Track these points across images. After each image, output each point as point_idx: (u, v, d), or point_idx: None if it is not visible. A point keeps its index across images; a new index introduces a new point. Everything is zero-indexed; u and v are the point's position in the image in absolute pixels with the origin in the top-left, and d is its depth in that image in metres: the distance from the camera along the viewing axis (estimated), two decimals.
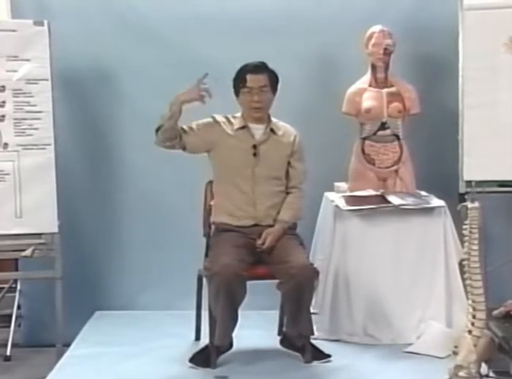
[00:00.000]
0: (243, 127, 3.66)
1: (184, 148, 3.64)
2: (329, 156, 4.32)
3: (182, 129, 3.59)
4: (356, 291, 3.87)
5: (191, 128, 3.62)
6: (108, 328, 4.13)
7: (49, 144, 3.92)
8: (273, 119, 3.71)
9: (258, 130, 3.68)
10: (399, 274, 3.90)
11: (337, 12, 4.39)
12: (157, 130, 3.53)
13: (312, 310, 3.61)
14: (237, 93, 3.65)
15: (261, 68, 3.63)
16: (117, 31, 4.39)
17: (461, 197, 3.93)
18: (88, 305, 4.32)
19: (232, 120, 3.68)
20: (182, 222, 4.31)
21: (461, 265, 3.61)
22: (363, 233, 3.92)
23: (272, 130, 3.69)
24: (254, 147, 3.63)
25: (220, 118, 3.68)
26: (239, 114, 3.70)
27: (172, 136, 3.55)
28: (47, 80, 3.90)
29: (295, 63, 4.29)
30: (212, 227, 3.75)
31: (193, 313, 3.85)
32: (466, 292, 3.36)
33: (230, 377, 3.39)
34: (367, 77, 4.21)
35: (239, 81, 3.63)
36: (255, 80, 3.61)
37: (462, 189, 4.08)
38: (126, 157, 4.48)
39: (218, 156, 3.66)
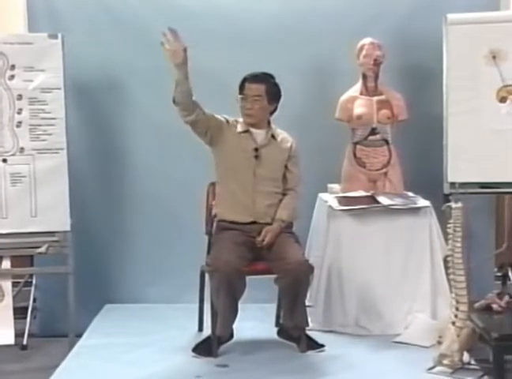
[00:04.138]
0: (246, 131, 3.68)
1: (205, 133, 3.59)
2: (323, 159, 4.33)
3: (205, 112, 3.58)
4: (349, 285, 3.88)
5: (212, 115, 3.61)
6: (117, 319, 4.14)
7: (62, 149, 3.93)
8: (273, 126, 3.74)
9: (259, 135, 3.69)
10: (388, 269, 3.91)
11: (331, 25, 4.39)
12: (174, 103, 3.52)
13: (307, 303, 3.61)
14: (239, 99, 3.66)
15: (259, 78, 3.64)
16: (125, 42, 4.40)
17: (446, 198, 3.92)
18: (98, 298, 4.33)
19: (236, 123, 3.70)
20: (185, 221, 4.31)
21: (445, 261, 3.62)
22: (354, 231, 3.93)
23: (272, 136, 3.71)
24: (256, 150, 3.66)
25: (230, 119, 3.70)
26: (241, 119, 3.71)
27: (187, 107, 3.51)
28: (60, 88, 3.91)
29: (292, 72, 4.28)
30: (214, 224, 3.76)
31: (197, 306, 3.86)
32: (450, 286, 3.39)
33: (230, 365, 3.40)
34: (358, 86, 4.22)
35: (240, 88, 3.66)
36: (250, 88, 3.63)
37: (447, 190, 4.07)
38: (134, 160, 4.48)
39: (222, 154, 3.66)
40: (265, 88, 3.64)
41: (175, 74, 3.48)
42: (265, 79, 3.65)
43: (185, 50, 3.45)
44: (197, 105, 3.54)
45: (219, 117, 3.67)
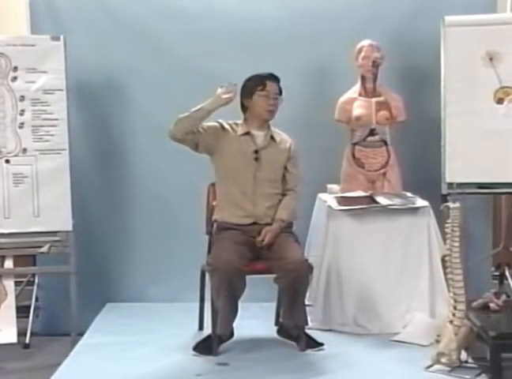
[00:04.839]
0: (246, 133, 3.68)
1: (196, 147, 3.61)
2: (323, 160, 4.33)
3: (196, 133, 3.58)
4: (347, 285, 3.88)
5: (202, 128, 3.60)
6: (118, 318, 4.14)
7: (64, 149, 3.93)
8: (271, 127, 3.75)
9: (259, 137, 3.69)
10: (387, 269, 3.91)
11: (330, 27, 4.40)
12: (178, 120, 3.52)
13: (307, 302, 3.61)
14: (250, 96, 3.65)
15: (276, 77, 3.69)
16: (127, 44, 4.41)
17: (444, 198, 3.94)
18: (99, 297, 4.33)
19: (235, 127, 3.70)
20: (186, 221, 4.31)
21: (443, 261, 3.63)
22: (353, 231, 3.93)
23: (271, 137, 3.72)
24: (256, 152, 3.65)
25: (225, 123, 3.69)
26: (240, 122, 3.72)
27: (189, 129, 3.52)
28: (62, 90, 3.91)
29: (291, 74, 4.26)
30: (214, 225, 3.76)
31: (197, 305, 3.86)
32: (448, 285, 3.39)
33: (230, 363, 3.40)
34: (357, 87, 4.23)
35: (257, 85, 3.64)
36: (273, 86, 3.65)
37: (444, 190, 4.08)
38: (135, 161, 4.49)
39: (222, 160, 3.66)
40: (279, 88, 3.67)
41: (207, 104, 3.51)
42: (279, 79, 3.69)
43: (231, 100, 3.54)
44: (193, 132, 3.55)
45: (211, 125, 3.63)
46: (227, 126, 3.69)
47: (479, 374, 3.17)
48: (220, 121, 3.68)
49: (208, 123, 3.64)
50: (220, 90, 3.53)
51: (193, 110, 3.52)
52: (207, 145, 3.63)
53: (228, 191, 3.67)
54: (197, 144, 3.61)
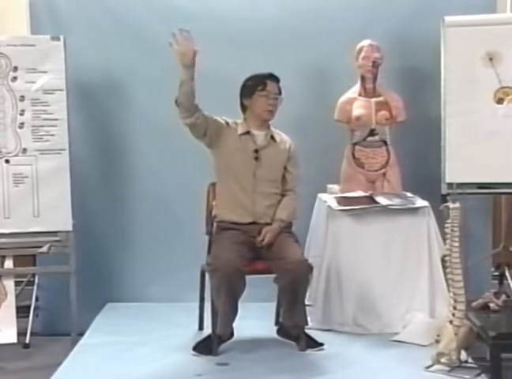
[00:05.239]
0: (246, 132, 3.68)
1: (204, 133, 3.57)
2: (322, 160, 4.33)
3: (205, 115, 3.57)
4: (347, 285, 3.88)
5: (211, 117, 3.60)
6: (119, 318, 4.14)
7: (64, 149, 3.93)
8: (272, 128, 3.74)
9: (259, 136, 3.69)
10: (387, 269, 3.90)
11: (330, 27, 4.39)
12: (176, 104, 3.51)
13: (306, 302, 3.61)
14: (250, 95, 3.65)
15: (275, 77, 3.68)
16: (127, 44, 4.41)
17: (444, 198, 3.95)
18: (100, 297, 4.33)
19: (235, 125, 3.69)
20: (186, 221, 4.31)
21: (443, 261, 3.63)
22: (353, 231, 3.92)
23: (272, 137, 3.72)
24: (256, 151, 3.65)
25: (229, 121, 3.69)
26: (239, 121, 3.72)
27: (189, 108, 3.50)
28: (62, 90, 3.91)
29: (291, 74, 4.26)
30: (214, 223, 3.76)
31: (197, 305, 3.86)
32: (448, 285, 3.39)
33: (230, 363, 3.39)
34: (356, 88, 4.22)
35: (257, 85, 3.63)
36: (273, 85, 3.64)
37: (444, 190, 4.09)
38: (135, 161, 4.49)
39: (222, 156, 3.66)
40: (279, 87, 3.67)
41: (181, 74, 3.48)
42: (278, 79, 3.69)
43: (194, 52, 3.46)
44: (197, 108, 3.54)
45: (218, 119, 3.66)
46: (230, 124, 3.69)
47: (479, 374, 3.17)
48: (225, 118, 3.69)
49: (216, 117, 3.64)
50: (174, 47, 3.45)
51: (178, 89, 3.48)
52: (212, 133, 3.61)
53: (228, 187, 3.67)
54: (206, 129, 3.59)
